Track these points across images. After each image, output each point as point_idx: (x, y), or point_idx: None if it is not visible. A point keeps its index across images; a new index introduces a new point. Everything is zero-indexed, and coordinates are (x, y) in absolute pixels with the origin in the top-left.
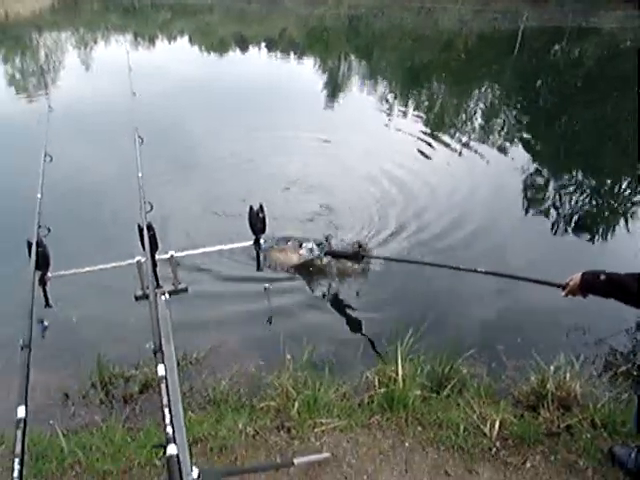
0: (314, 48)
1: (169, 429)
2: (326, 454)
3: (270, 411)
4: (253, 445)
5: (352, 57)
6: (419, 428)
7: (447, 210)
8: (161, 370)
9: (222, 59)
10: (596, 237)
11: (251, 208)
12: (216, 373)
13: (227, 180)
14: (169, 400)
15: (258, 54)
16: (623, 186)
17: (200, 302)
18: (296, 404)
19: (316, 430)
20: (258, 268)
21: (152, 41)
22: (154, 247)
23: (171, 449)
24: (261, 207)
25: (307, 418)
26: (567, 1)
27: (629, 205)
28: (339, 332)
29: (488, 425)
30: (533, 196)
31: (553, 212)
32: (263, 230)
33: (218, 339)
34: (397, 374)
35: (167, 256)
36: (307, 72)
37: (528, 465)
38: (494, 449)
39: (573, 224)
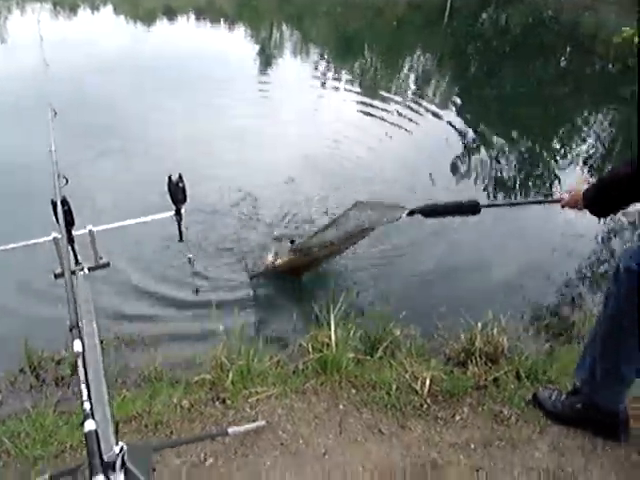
0: (244, 17)
1: (86, 405)
2: (261, 422)
3: (205, 384)
4: (188, 418)
5: (283, 25)
6: (353, 390)
7: (386, 179)
8: (77, 346)
9: (149, 30)
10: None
11: (170, 178)
12: (150, 351)
13: (151, 155)
14: (86, 376)
15: (187, 24)
16: (551, 146)
17: (126, 278)
18: (230, 375)
19: (251, 399)
20: (180, 239)
21: (73, 10)
22: (70, 222)
23: (89, 425)
24: (180, 177)
25: (242, 388)
26: None
27: (554, 165)
28: (272, 301)
29: (419, 383)
30: (466, 160)
31: (485, 175)
32: (184, 200)
33: (150, 316)
34: (330, 339)
35: (85, 231)
36: (238, 42)
37: (457, 417)
38: (425, 405)
39: (504, 185)
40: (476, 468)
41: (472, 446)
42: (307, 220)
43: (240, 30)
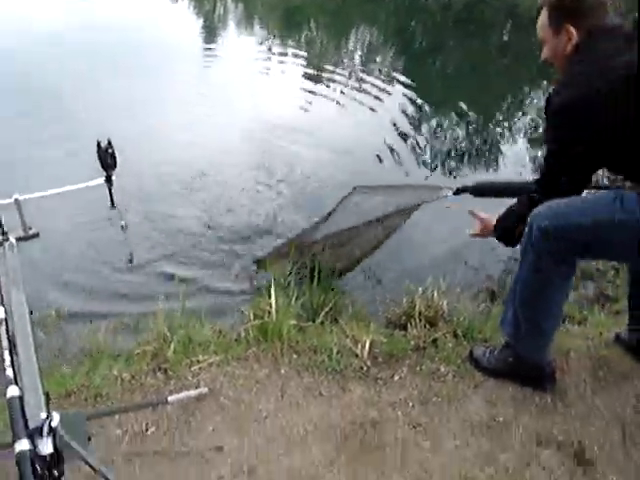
0: None
1: (9, 371)
2: (203, 389)
3: (147, 355)
4: (129, 390)
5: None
6: (294, 355)
7: (333, 159)
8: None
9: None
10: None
11: (99, 144)
12: (91, 325)
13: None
14: (10, 343)
15: None
16: (496, 118)
17: (60, 250)
18: (172, 345)
19: (193, 368)
20: (112, 205)
21: None
22: None
23: (12, 390)
24: (109, 142)
25: (183, 357)
26: None
27: (499, 138)
28: (215, 270)
29: (359, 346)
30: (414, 136)
31: (436, 150)
32: (114, 166)
33: (89, 288)
34: (271, 306)
35: (11, 200)
36: (181, 17)
37: (396, 378)
38: (365, 367)
39: (455, 157)
40: (414, 424)
41: (410, 404)
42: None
43: (183, 4)
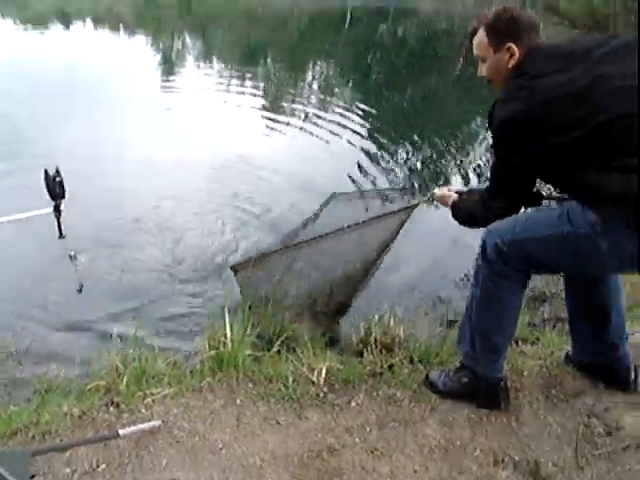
0: (145, 26)
1: None
2: (156, 422)
3: (99, 390)
4: (79, 425)
5: (186, 35)
6: (250, 385)
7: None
8: None
9: (42, 36)
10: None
11: (46, 172)
12: (41, 361)
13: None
14: None
15: (83, 31)
16: (449, 148)
17: (5, 282)
18: (125, 379)
19: (146, 401)
20: (61, 235)
21: None
22: None
23: None
24: (57, 171)
25: (136, 391)
26: None
27: (453, 166)
28: (166, 302)
29: (316, 374)
30: (369, 166)
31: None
32: (62, 195)
33: (38, 323)
34: (226, 336)
35: None
36: (139, 51)
37: (353, 404)
38: (322, 394)
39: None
40: (371, 449)
41: (367, 429)
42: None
43: (141, 39)
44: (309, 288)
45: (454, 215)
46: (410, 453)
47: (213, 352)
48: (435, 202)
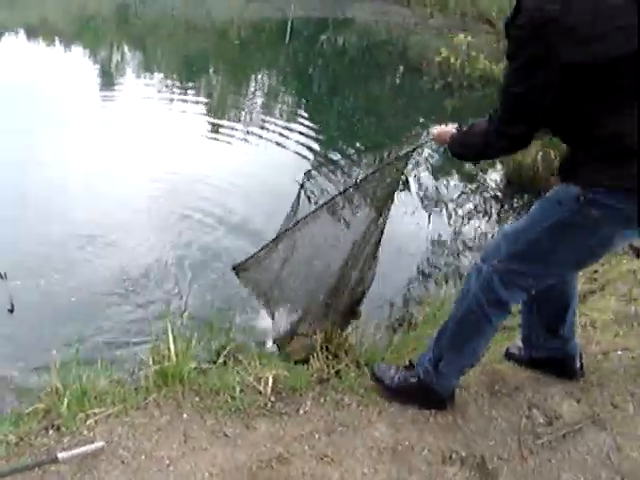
0: (82, 37)
1: None
2: (99, 443)
3: (38, 413)
4: (16, 453)
5: (125, 46)
6: (197, 398)
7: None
8: None
9: None
10: None
11: None
12: None
13: None
14: None
15: (16, 43)
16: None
17: None
18: (65, 400)
19: (89, 422)
20: None
21: None
22: None
23: None
24: None
25: (78, 412)
26: None
27: None
28: (108, 318)
29: (262, 383)
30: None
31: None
32: None
33: None
34: (170, 350)
35: None
36: (76, 63)
37: (301, 412)
38: (269, 404)
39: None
40: (321, 456)
41: (316, 436)
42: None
43: (78, 50)
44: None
45: (454, 150)
46: (359, 457)
47: (157, 367)
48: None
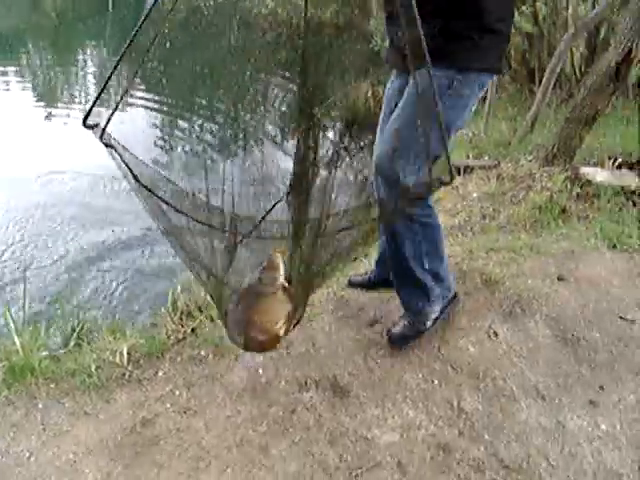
0: None
1: None
2: None
3: None
4: None
5: None
6: (52, 385)
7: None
8: None
9: None
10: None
11: None
12: None
13: None
14: None
15: None
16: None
17: None
18: None
19: None
20: None
21: None
22: None
23: None
24: None
25: None
26: None
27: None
28: None
29: (118, 355)
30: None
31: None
32: None
33: None
34: (15, 343)
35: None
36: None
37: (160, 373)
38: (127, 373)
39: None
40: (184, 410)
41: (177, 392)
42: None
43: None
44: None
45: None
46: (220, 403)
47: (4, 364)
48: None
